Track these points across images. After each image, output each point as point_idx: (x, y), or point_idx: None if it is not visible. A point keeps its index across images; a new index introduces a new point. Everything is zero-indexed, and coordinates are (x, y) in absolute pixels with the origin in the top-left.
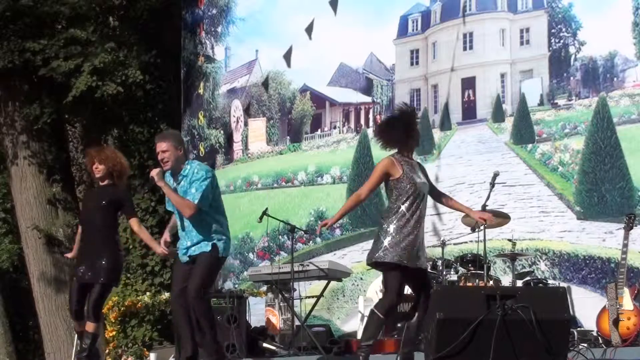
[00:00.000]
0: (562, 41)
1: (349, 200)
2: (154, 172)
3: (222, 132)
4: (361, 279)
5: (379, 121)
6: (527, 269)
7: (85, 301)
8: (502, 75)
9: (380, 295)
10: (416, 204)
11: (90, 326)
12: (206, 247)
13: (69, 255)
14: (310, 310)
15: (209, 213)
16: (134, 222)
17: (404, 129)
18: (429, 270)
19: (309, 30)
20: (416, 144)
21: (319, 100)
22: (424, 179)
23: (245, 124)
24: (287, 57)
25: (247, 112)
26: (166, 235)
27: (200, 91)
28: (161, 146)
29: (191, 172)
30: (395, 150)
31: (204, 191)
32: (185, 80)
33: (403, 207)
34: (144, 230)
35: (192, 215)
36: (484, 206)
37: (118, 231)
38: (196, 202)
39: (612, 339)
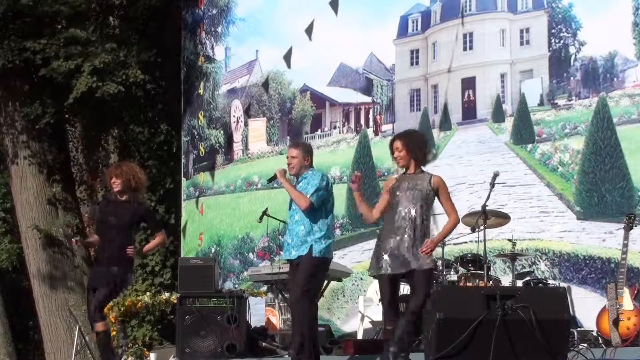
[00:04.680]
0: (562, 41)
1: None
2: (279, 170)
3: (222, 132)
4: (361, 279)
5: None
6: (527, 269)
7: None
8: (502, 76)
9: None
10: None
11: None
12: (303, 250)
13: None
14: None
15: (316, 214)
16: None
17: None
18: None
19: (309, 31)
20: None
21: (319, 100)
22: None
23: (245, 124)
24: (287, 57)
25: (247, 112)
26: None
27: (200, 91)
28: (292, 152)
29: (311, 175)
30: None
31: (317, 187)
32: (185, 80)
33: None
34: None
35: (307, 208)
36: (484, 206)
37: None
38: (309, 196)
39: (612, 339)
